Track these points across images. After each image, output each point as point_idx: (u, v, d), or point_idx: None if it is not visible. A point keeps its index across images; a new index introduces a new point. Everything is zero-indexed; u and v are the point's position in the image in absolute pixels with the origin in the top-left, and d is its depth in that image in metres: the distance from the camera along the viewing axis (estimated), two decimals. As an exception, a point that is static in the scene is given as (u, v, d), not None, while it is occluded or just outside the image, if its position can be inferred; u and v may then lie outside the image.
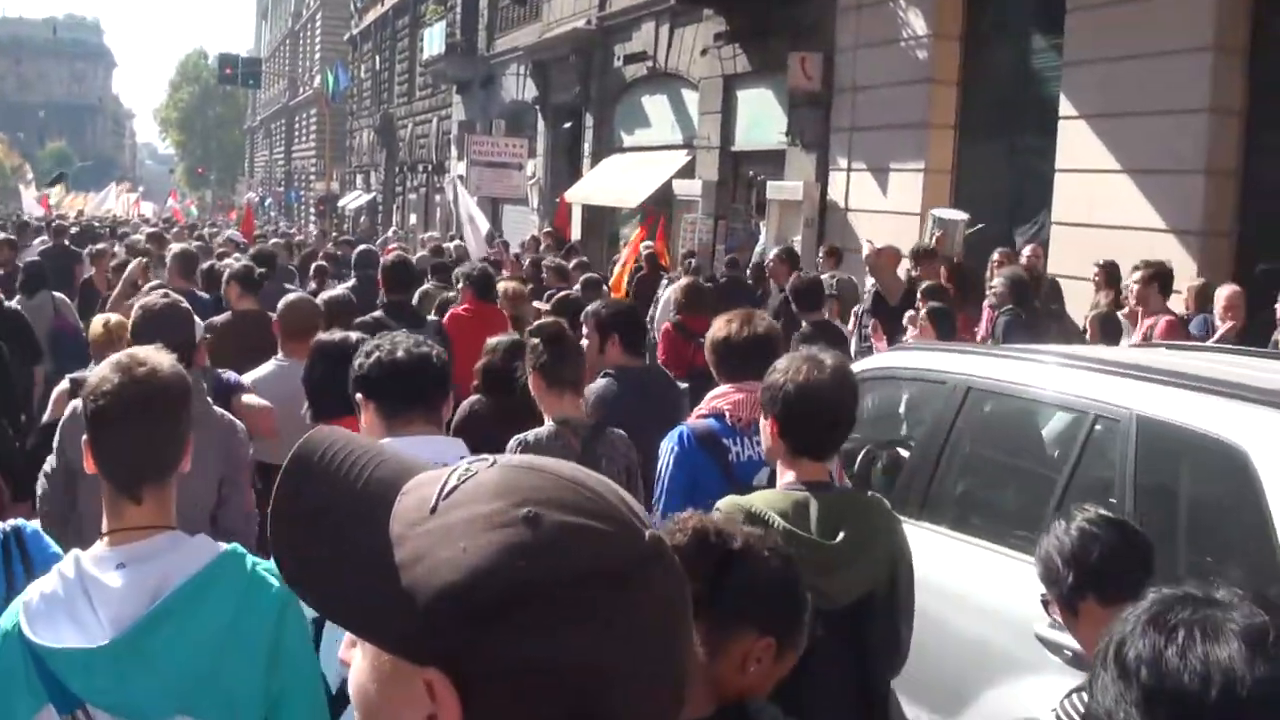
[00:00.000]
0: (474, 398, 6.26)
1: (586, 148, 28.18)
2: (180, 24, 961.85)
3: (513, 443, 4.92)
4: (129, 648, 2.51)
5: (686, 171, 22.94)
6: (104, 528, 2.76)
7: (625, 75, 26.28)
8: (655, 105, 25.63)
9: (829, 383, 3.59)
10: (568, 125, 29.79)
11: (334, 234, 33.32)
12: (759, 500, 3.57)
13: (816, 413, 3.61)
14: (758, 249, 18.87)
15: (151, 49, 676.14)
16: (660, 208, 23.06)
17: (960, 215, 14.49)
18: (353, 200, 57.82)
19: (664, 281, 16.30)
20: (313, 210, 61.71)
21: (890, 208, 16.28)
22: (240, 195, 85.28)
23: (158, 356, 2.87)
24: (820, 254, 16.03)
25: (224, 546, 2.75)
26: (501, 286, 10.74)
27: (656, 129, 25.62)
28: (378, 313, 9.06)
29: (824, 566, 3.41)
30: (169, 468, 2.82)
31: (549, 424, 5.04)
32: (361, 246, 15.36)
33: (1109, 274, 11.25)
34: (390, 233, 33.49)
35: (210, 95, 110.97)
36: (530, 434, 4.99)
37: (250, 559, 2.73)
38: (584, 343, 6.04)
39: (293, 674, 2.69)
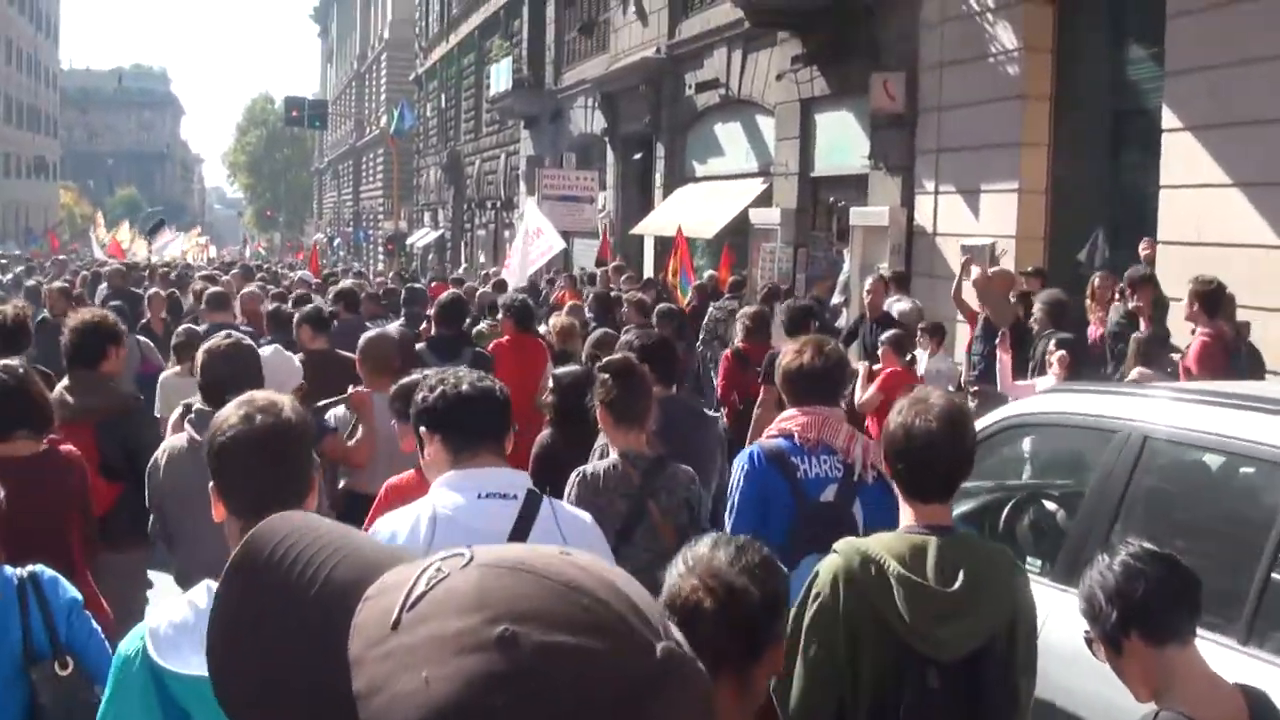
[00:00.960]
0: (546, 432, 6.58)
1: (658, 179, 27.74)
2: (246, 70, 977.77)
3: (574, 476, 5.11)
4: None
5: (764, 200, 22.37)
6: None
7: (697, 104, 25.80)
8: (729, 133, 25.11)
9: (935, 425, 3.56)
10: (638, 156, 29.43)
11: (402, 272, 33.33)
12: (875, 543, 3.57)
13: (923, 457, 3.57)
14: (841, 277, 18.37)
15: (218, 95, 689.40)
16: (737, 238, 22.59)
17: (987, 241, 13.99)
18: (421, 238, 58.16)
19: (710, 308, 16.40)
20: (381, 249, 62.11)
21: (982, 231, 15.62)
22: (309, 236, 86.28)
23: (279, 398, 3.01)
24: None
25: None
26: (553, 321, 11.27)
27: (731, 157, 25.10)
28: (420, 345, 9.84)
29: (939, 614, 3.37)
30: (299, 500, 2.85)
31: (612, 456, 5.18)
32: (408, 285, 15.89)
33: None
34: (461, 270, 33.29)
35: (277, 139, 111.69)
36: (590, 467, 5.19)
37: None
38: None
39: None
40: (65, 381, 6.48)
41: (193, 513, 4.26)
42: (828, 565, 3.56)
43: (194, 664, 2.49)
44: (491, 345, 10.38)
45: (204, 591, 2.72)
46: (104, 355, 6.65)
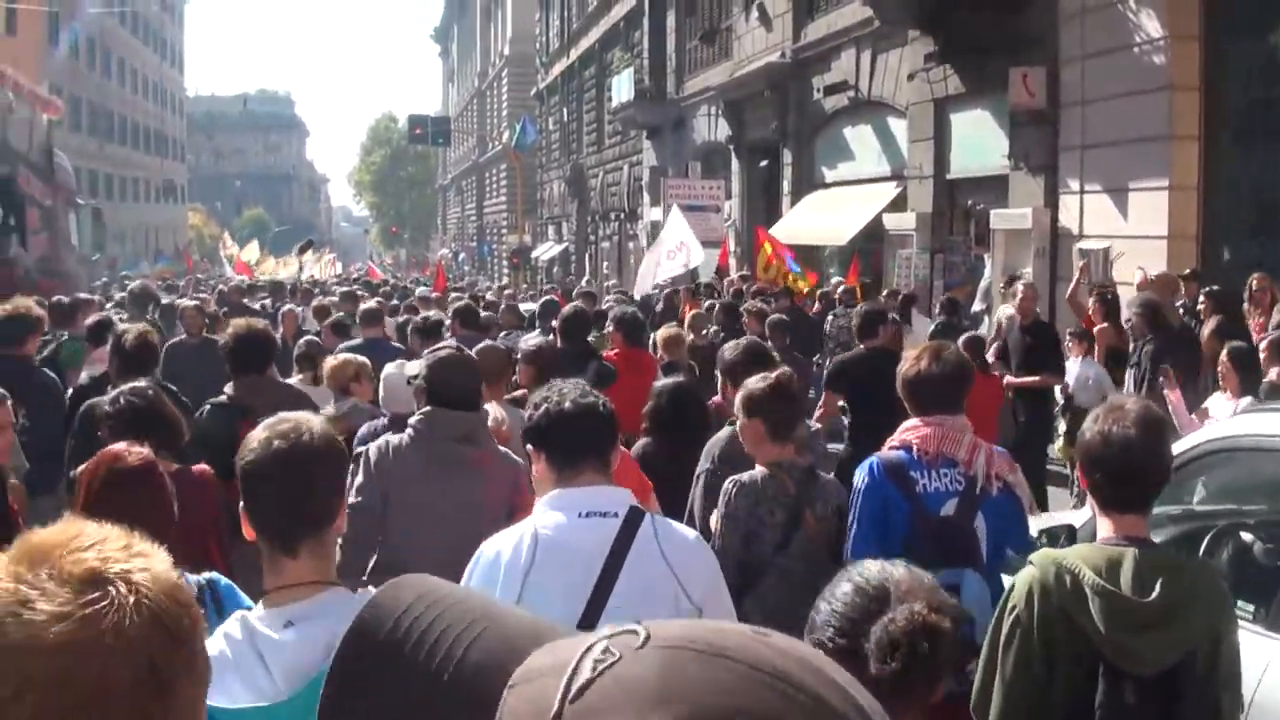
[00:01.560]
0: (644, 440, 6.68)
1: (785, 185, 27.25)
2: (369, 91, 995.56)
3: (728, 484, 5.04)
4: (307, 703, 2.49)
5: (898, 204, 21.84)
6: (264, 585, 2.87)
7: (825, 107, 25.31)
8: (859, 136, 24.58)
9: (1133, 432, 3.46)
10: (764, 163, 28.98)
11: (526, 286, 33.43)
12: (1073, 555, 3.49)
13: (1121, 465, 3.48)
14: (981, 284, 17.80)
15: (342, 117, 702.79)
16: (872, 244, 22.08)
17: (1102, 244, 13.43)
18: (545, 251, 58.36)
19: (830, 316, 16.62)
20: (505, 263, 62.46)
21: (1132, 232, 14.93)
22: (434, 252, 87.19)
23: (310, 420, 3.02)
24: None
25: None
26: (659, 333, 11.32)
27: (861, 161, 24.58)
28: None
29: (1137, 625, 3.27)
30: (324, 523, 2.91)
31: (759, 468, 5.11)
32: (544, 299, 16.10)
33: (1217, 302, 10.90)
34: (584, 282, 33.24)
35: (401, 157, 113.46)
36: (744, 476, 5.09)
37: None
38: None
39: None
40: (231, 389, 7.06)
41: (413, 506, 5.00)
42: (1023, 579, 3.50)
43: (240, 696, 2.54)
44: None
45: (238, 623, 2.79)
46: (269, 360, 7.42)
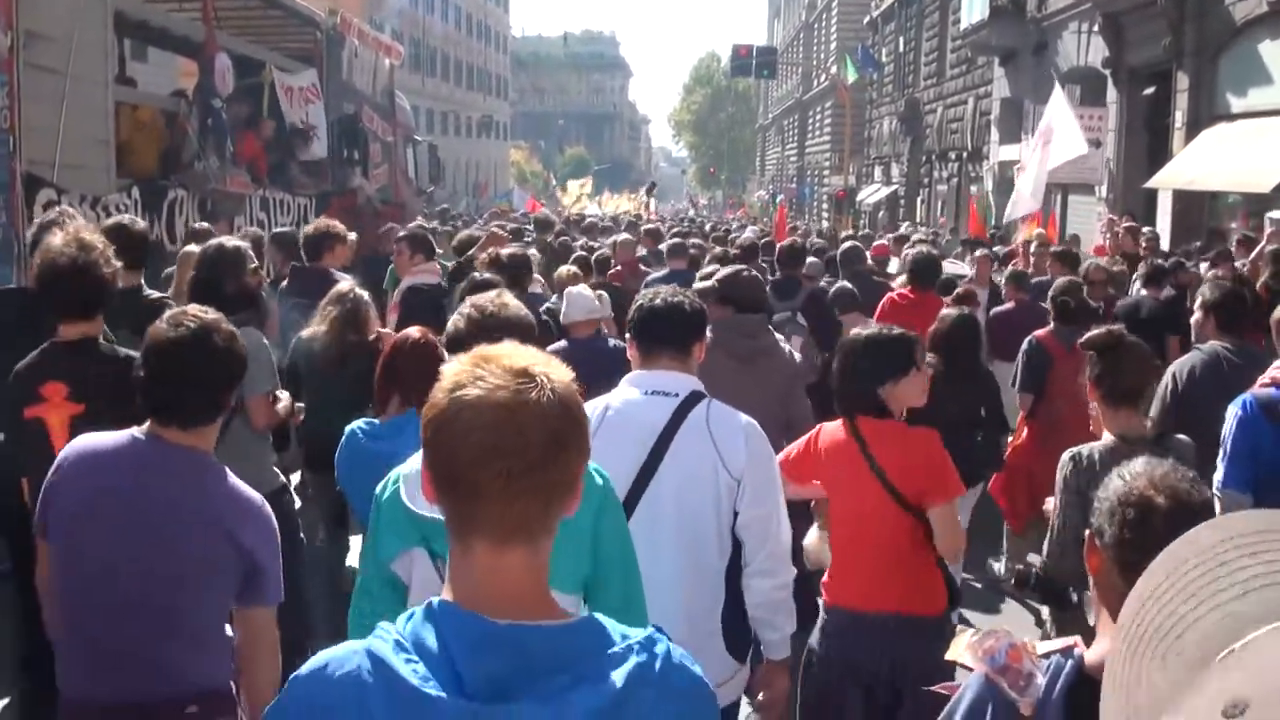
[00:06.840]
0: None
1: (1178, 117, 22.58)
2: (693, 30, 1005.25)
3: (1065, 458, 4.88)
4: None
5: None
6: None
7: (1234, 15, 20.70)
8: (1278, 52, 19.76)
9: None
10: (1149, 91, 24.39)
11: (852, 230, 30.93)
12: None
13: None
14: None
15: (665, 57, 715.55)
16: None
17: None
18: (871, 194, 55.68)
19: None
20: (826, 205, 59.88)
21: None
22: (750, 193, 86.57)
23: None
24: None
25: None
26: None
27: (1281, 85, 19.78)
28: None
29: None
30: None
31: (1106, 438, 4.90)
32: (845, 245, 15.24)
33: None
34: (904, 227, 29.57)
35: (722, 97, 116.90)
36: (1085, 449, 4.88)
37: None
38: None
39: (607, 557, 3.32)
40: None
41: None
42: None
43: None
44: (886, 299, 10.77)
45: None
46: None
